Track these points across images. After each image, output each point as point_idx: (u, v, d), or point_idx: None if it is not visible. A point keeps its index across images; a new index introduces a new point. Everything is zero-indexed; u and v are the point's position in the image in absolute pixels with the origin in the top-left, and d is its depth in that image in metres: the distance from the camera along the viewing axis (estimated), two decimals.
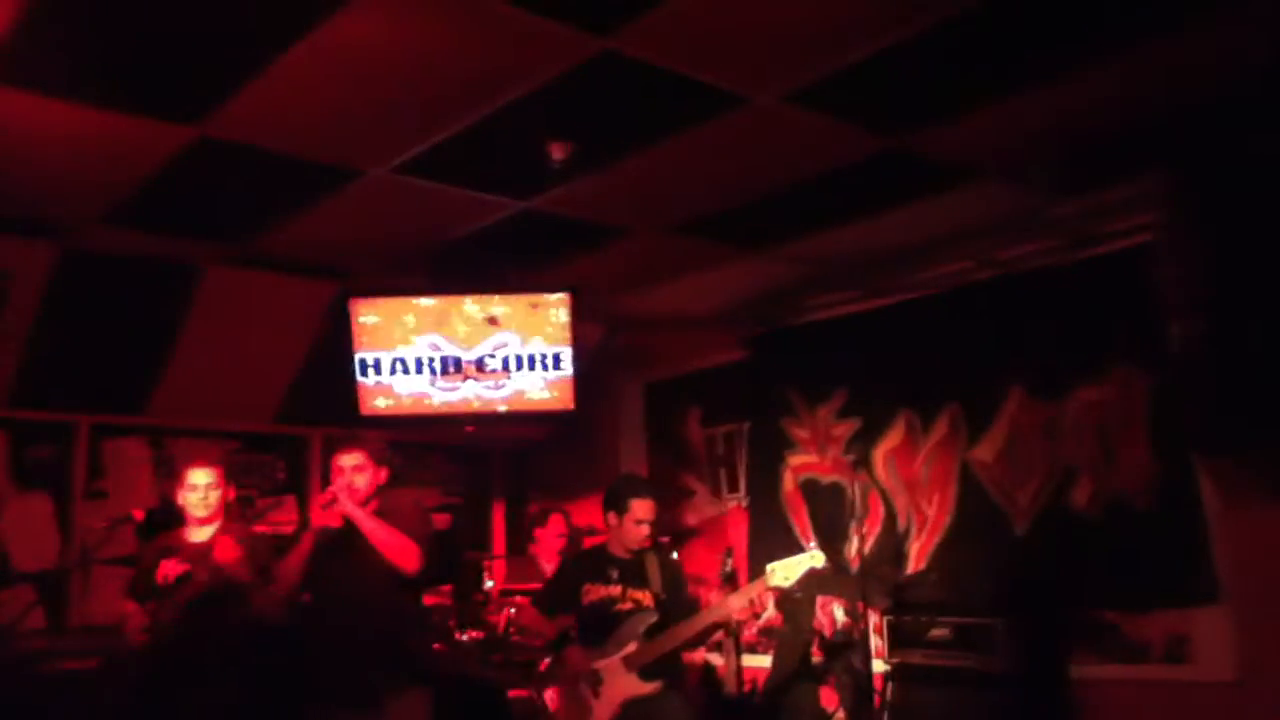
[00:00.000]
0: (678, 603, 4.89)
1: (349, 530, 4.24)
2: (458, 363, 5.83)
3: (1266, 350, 4.14)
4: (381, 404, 5.82)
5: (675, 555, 6.16)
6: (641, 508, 4.84)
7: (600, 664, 4.75)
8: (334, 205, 4.92)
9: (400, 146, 4.34)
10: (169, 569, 4.55)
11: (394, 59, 3.62)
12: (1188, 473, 4.69)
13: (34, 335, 5.69)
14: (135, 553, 5.42)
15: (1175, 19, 3.51)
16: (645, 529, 4.85)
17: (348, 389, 5.78)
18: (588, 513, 7.20)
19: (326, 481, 4.44)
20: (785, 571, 4.73)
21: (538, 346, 5.82)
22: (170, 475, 6.43)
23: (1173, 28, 3.56)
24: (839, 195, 4.96)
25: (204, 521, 4.73)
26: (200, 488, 4.72)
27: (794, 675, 5.89)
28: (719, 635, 5.14)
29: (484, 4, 3.26)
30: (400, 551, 4.24)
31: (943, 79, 3.90)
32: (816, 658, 5.94)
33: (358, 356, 5.76)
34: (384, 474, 4.43)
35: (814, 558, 4.81)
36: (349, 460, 4.36)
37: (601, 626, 4.83)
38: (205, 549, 4.60)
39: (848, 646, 5.72)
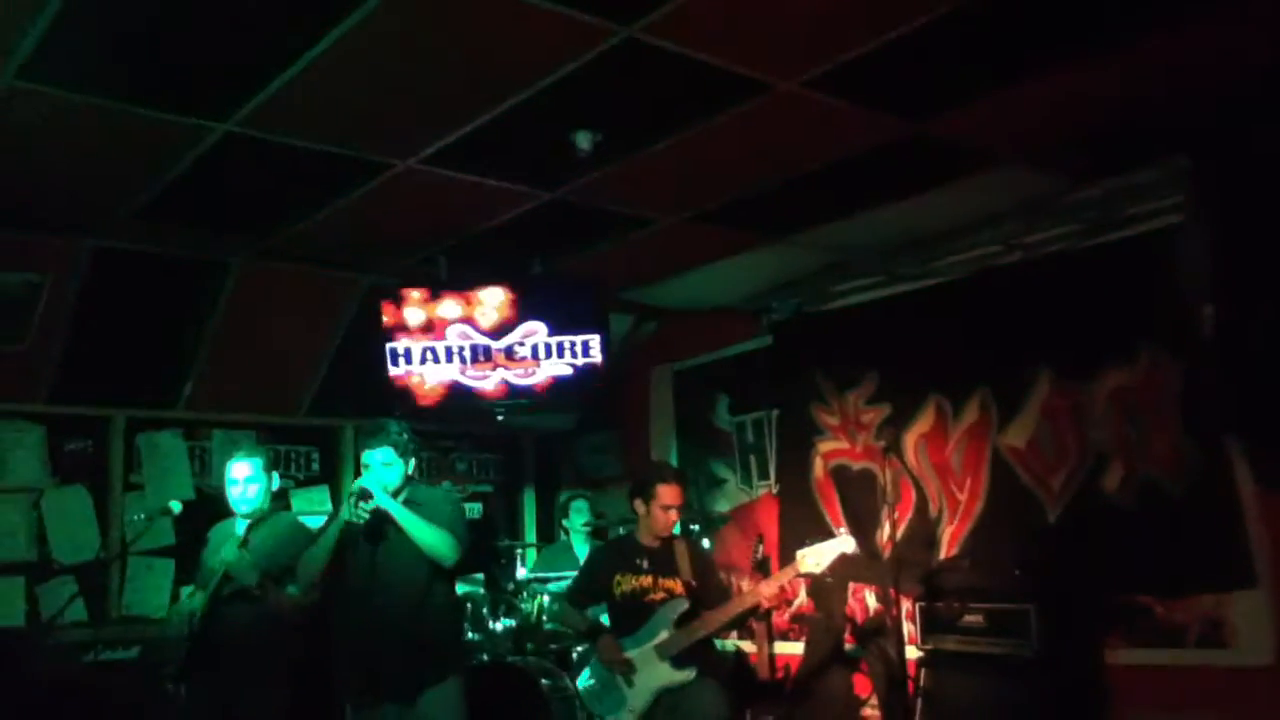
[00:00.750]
0: (708, 590, 4.90)
1: (379, 522, 4.25)
2: (487, 351, 5.86)
3: None
4: (413, 392, 5.86)
5: (706, 543, 6.17)
6: (668, 493, 4.85)
7: (633, 653, 4.77)
8: (363, 198, 4.95)
9: (427, 139, 4.37)
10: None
11: (418, 53, 3.64)
12: (1221, 456, 4.63)
13: (69, 331, 5.77)
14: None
15: (1200, 5, 3.47)
16: (673, 515, 4.86)
17: (379, 379, 5.83)
18: (616, 501, 7.24)
19: (357, 473, 4.42)
20: (816, 557, 4.74)
21: (567, 335, 5.84)
22: (203, 468, 6.58)
23: (1199, 13, 3.52)
24: (862, 181, 4.95)
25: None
26: (242, 480, 4.74)
27: (826, 662, 5.88)
28: (751, 622, 5.16)
29: None
30: (437, 544, 4.25)
31: (964, 63, 3.87)
32: (849, 644, 5.94)
33: (389, 347, 5.81)
34: (411, 463, 4.42)
35: (844, 543, 4.81)
36: (378, 457, 4.33)
37: (634, 616, 4.85)
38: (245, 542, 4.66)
39: (880, 633, 5.71)
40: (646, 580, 4.86)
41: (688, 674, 4.71)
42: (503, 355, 5.86)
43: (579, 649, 5.72)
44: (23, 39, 3.41)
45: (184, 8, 3.32)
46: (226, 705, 4.47)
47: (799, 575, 4.97)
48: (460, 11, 3.38)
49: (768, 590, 4.73)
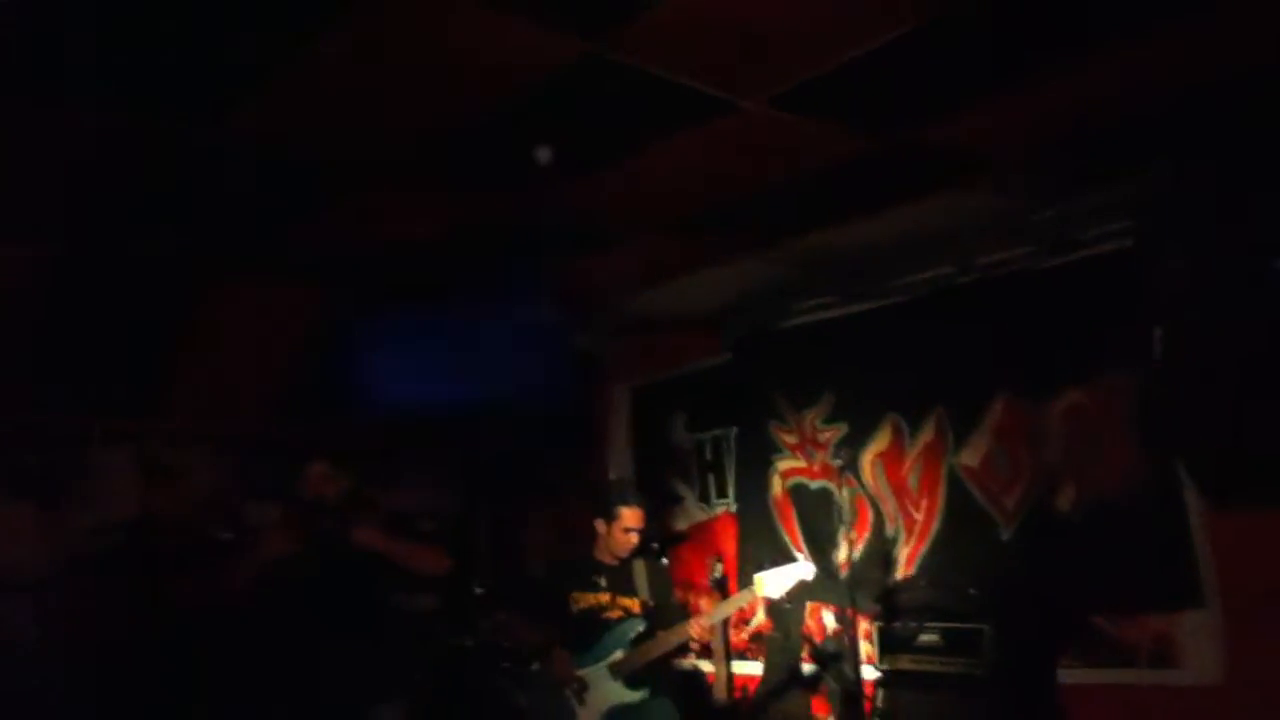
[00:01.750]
0: (665, 610, 4.89)
1: (331, 542, 4.20)
2: (453, 356, 5.83)
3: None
4: (377, 404, 5.83)
5: (664, 561, 6.16)
6: (630, 516, 4.85)
7: (585, 671, 4.75)
8: (329, 214, 4.90)
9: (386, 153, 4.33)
10: None
11: (408, 63, 3.59)
12: (1171, 475, 4.68)
13: (27, 342, 5.66)
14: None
15: (1147, 23, 3.51)
16: (633, 537, 4.86)
17: (344, 390, 5.78)
18: (575, 517, 7.21)
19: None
20: (775, 582, 4.76)
21: (528, 341, 5.84)
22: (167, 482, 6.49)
23: (1142, 32, 3.56)
24: (824, 198, 4.96)
25: None
26: None
27: (784, 682, 5.89)
28: (708, 641, 5.15)
29: (461, 7, 3.24)
30: (425, 559, 4.20)
31: (924, 82, 3.89)
32: (806, 664, 5.95)
33: (357, 350, 5.77)
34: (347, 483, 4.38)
35: (803, 569, 4.84)
36: (318, 470, 4.29)
37: (589, 633, 4.84)
38: None
39: (838, 653, 5.73)
40: (604, 597, 4.85)
41: (640, 694, 4.70)
42: (466, 360, 5.84)
43: (535, 666, 5.68)
44: None
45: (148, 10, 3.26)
46: None
47: (756, 599, 4.99)
48: (422, 23, 3.35)
49: (696, 628, 4.73)
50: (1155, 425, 4.70)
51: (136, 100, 3.77)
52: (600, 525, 4.95)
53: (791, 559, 6.10)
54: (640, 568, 4.93)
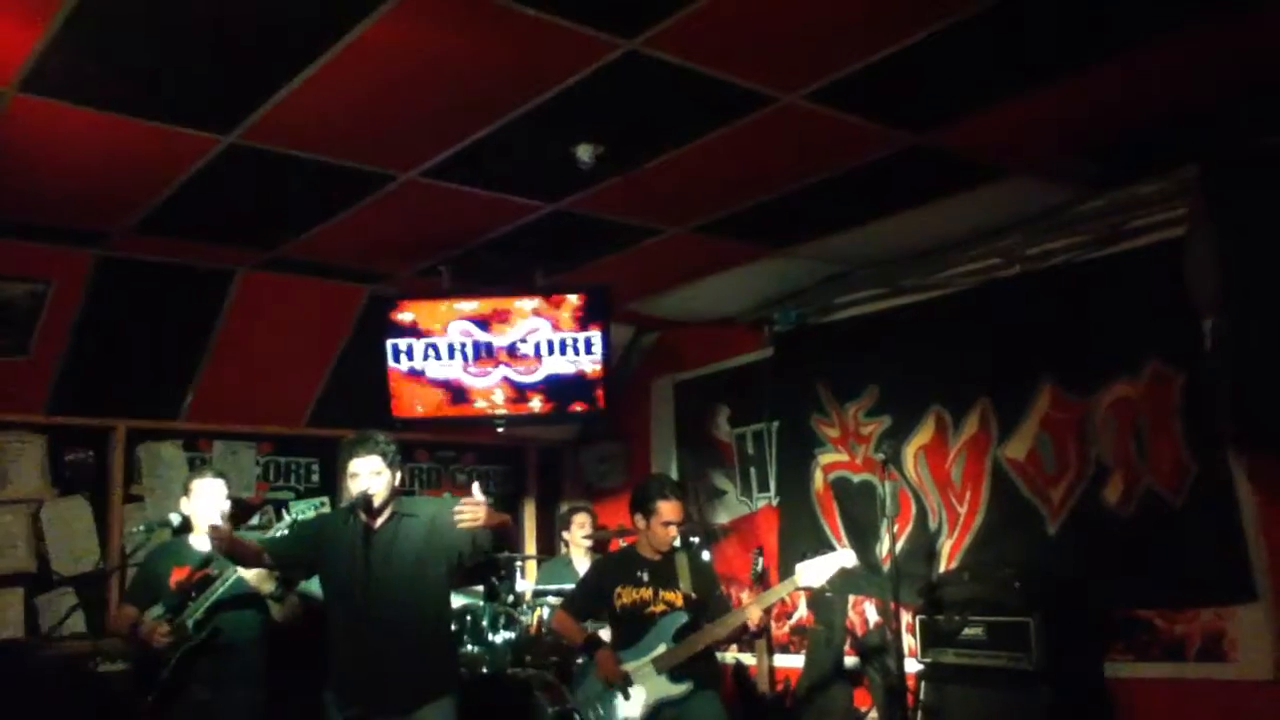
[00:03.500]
0: (709, 603, 4.90)
1: (371, 530, 4.24)
2: (489, 348, 5.87)
3: None
4: (418, 406, 5.87)
5: (706, 555, 6.17)
6: (668, 509, 4.85)
7: (630, 666, 4.77)
8: (365, 210, 4.96)
9: (429, 151, 4.38)
10: (183, 576, 4.70)
11: (421, 65, 3.65)
12: (1223, 469, 4.62)
13: (71, 342, 5.78)
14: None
15: (1207, 13, 3.48)
16: (672, 531, 4.86)
17: (380, 392, 5.83)
18: (618, 513, 7.24)
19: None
20: (815, 571, 4.75)
21: (568, 333, 5.86)
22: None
23: (1203, 21, 3.53)
24: (866, 193, 4.96)
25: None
26: (217, 499, 4.82)
27: (826, 675, 5.88)
28: (763, 628, 5.15)
29: (508, 8, 3.28)
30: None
31: (968, 74, 3.88)
32: (849, 657, 5.94)
33: (390, 343, 5.81)
34: (398, 474, 4.36)
35: (844, 557, 4.82)
36: (365, 465, 4.27)
37: (634, 628, 4.85)
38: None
39: (880, 646, 5.71)
40: (647, 593, 4.86)
41: (685, 687, 4.71)
42: (505, 353, 5.86)
43: (580, 660, 5.71)
44: (26, 51, 3.43)
45: (186, 21, 3.33)
46: (215, 709, 4.52)
47: (797, 589, 4.98)
48: (462, 25, 3.39)
49: (755, 613, 4.72)
50: (1206, 418, 4.64)
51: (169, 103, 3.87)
52: (639, 520, 4.95)
53: (832, 550, 6.11)
54: (683, 561, 4.93)
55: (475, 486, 4.17)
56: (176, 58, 3.56)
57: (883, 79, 3.82)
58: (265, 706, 4.74)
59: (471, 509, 4.07)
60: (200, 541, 4.82)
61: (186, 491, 4.91)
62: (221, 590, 4.59)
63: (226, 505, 4.82)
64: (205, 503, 4.81)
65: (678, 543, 4.96)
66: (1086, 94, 4.01)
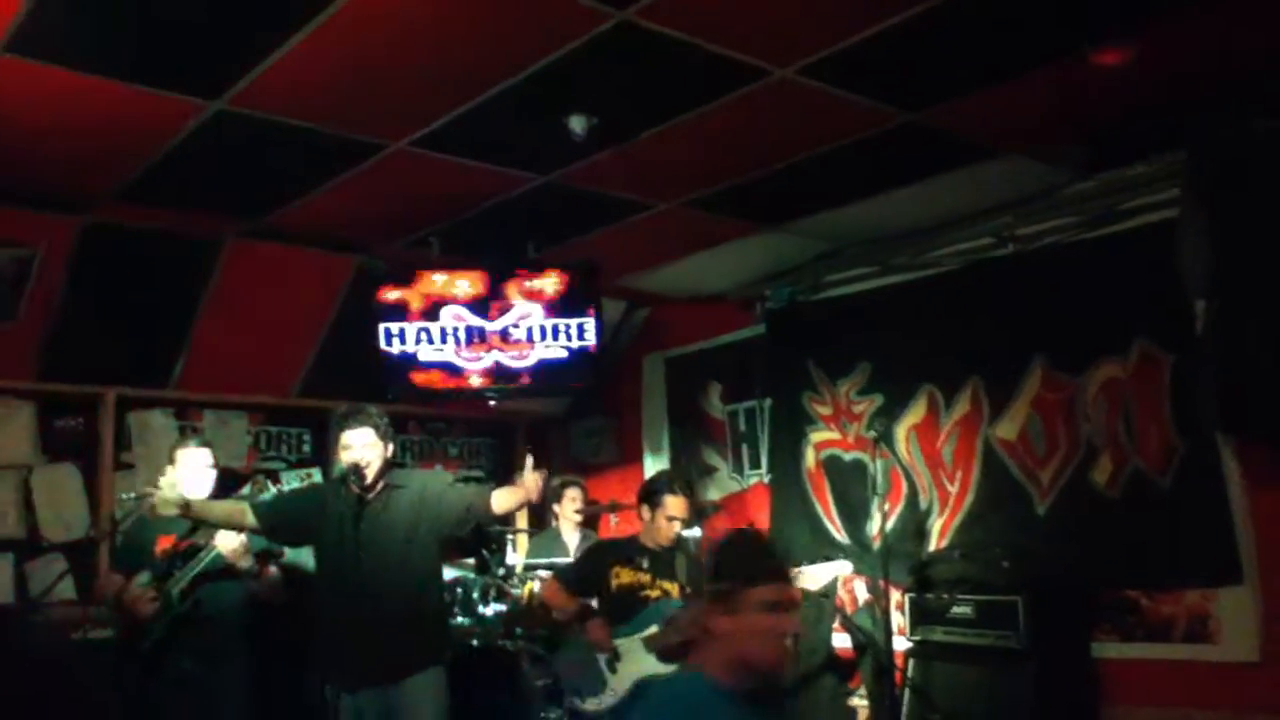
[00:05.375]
0: (698, 589, 4.89)
1: (363, 501, 4.25)
2: (482, 333, 5.85)
3: None
4: (409, 378, 5.85)
5: (697, 531, 6.15)
6: (675, 505, 4.86)
7: (621, 642, 4.78)
8: (355, 179, 4.93)
9: (420, 120, 4.34)
10: (169, 544, 4.69)
11: (413, 32, 3.61)
12: (1211, 452, 4.63)
13: (60, 309, 5.75)
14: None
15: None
16: (676, 526, 4.87)
17: (371, 361, 5.81)
18: (608, 487, 7.24)
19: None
20: (813, 576, 4.77)
21: (561, 318, 5.83)
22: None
23: (1196, 5, 3.50)
24: (859, 170, 4.94)
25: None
26: (201, 468, 4.81)
27: (815, 653, 5.89)
28: None
29: None
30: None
31: (963, 53, 3.86)
32: (838, 634, 5.94)
33: (383, 327, 5.79)
34: (390, 447, 4.41)
35: (841, 567, 4.85)
36: (358, 437, 4.31)
37: (627, 609, 4.85)
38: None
39: (869, 625, 5.72)
40: (646, 577, 4.87)
41: (673, 668, 4.72)
42: (497, 337, 5.84)
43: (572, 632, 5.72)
44: (12, 12, 3.38)
45: None
46: (199, 681, 4.52)
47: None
48: None
49: None
50: (1195, 400, 4.63)
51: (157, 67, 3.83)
52: (645, 512, 4.95)
53: (825, 531, 6.12)
54: (681, 560, 4.95)
55: (529, 461, 4.40)
56: (165, 20, 3.52)
57: (876, 56, 3.80)
58: (249, 680, 4.74)
59: (534, 480, 4.36)
60: None
61: (172, 460, 4.90)
62: (205, 562, 4.59)
63: (212, 474, 4.83)
64: (190, 471, 4.80)
65: (684, 533, 4.97)
66: (1079, 77, 3.98)
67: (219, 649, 4.64)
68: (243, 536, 4.58)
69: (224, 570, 4.67)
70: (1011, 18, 3.60)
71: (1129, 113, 4.35)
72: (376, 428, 4.31)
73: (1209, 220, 4.26)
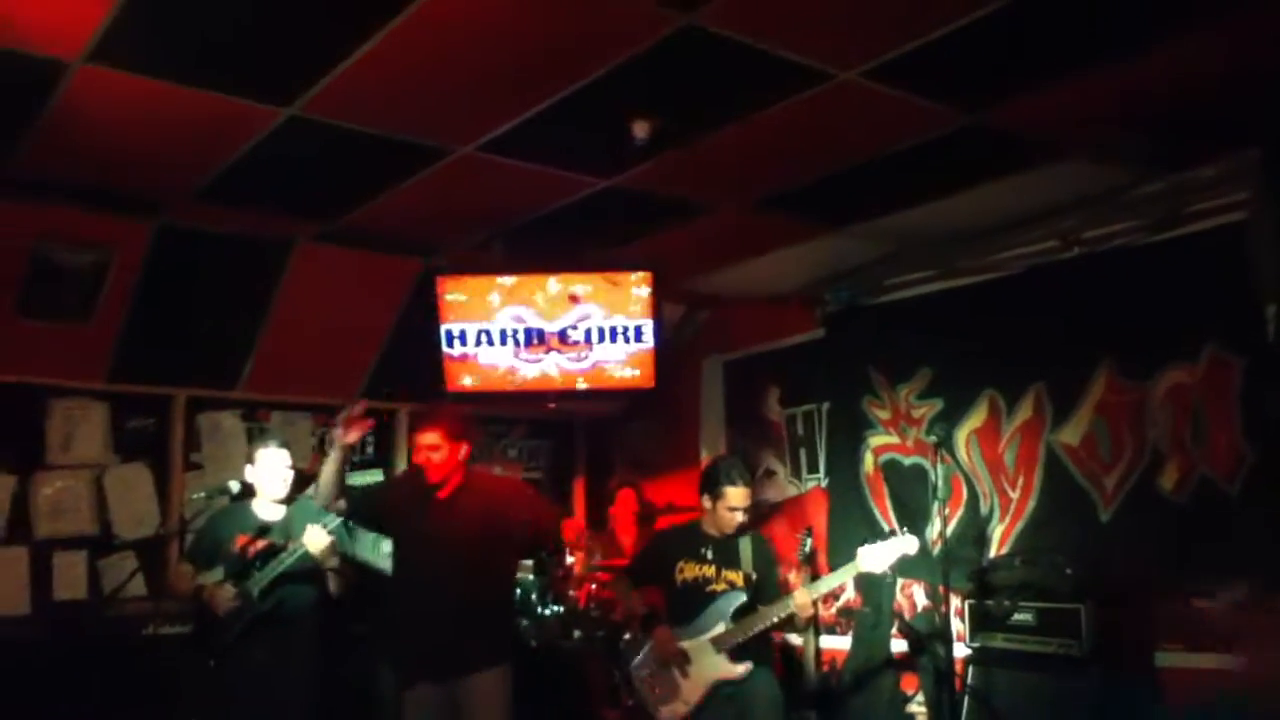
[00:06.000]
0: (767, 583, 4.90)
1: (442, 498, 4.32)
2: (541, 334, 5.91)
3: None
4: (467, 379, 5.93)
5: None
6: (735, 495, 4.86)
7: (689, 644, 4.79)
8: (421, 183, 5.00)
9: (485, 125, 4.40)
10: (246, 542, 4.78)
11: (479, 38, 3.66)
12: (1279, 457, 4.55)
13: (133, 310, 5.89)
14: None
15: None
16: (737, 516, 4.87)
17: (433, 362, 5.89)
18: (666, 489, 7.26)
19: (410, 455, 4.52)
20: (877, 556, 4.75)
21: (620, 320, 5.87)
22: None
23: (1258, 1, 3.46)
24: (921, 172, 4.91)
25: (276, 501, 4.93)
26: (281, 468, 4.90)
27: (873, 658, 5.87)
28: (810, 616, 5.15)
29: None
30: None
31: (1026, 53, 3.84)
32: (896, 640, 5.92)
33: (444, 328, 5.87)
34: (463, 449, 4.44)
35: (907, 543, 4.81)
36: (427, 437, 4.36)
37: (692, 605, 4.87)
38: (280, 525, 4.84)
39: (928, 630, 5.69)
40: (710, 570, 4.88)
41: (745, 666, 4.73)
42: (556, 339, 5.90)
43: (626, 636, 5.74)
44: (95, 23, 3.49)
45: None
46: (270, 675, 4.60)
47: (859, 573, 4.97)
48: None
49: (802, 599, 4.73)
50: (1265, 405, 4.56)
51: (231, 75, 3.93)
52: (706, 501, 4.97)
53: (883, 534, 6.08)
54: (746, 542, 4.94)
55: None
56: (240, 29, 3.61)
57: (939, 58, 3.79)
58: (317, 675, 4.81)
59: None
60: (263, 509, 4.92)
61: (251, 460, 4.98)
62: (289, 561, 4.66)
63: (290, 475, 4.91)
64: (269, 472, 4.89)
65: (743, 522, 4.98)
66: (1146, 74, 3.93)
67: (292, 645, 4.72)
68: (331, 536, 4.67)
69: (305, 570, 4.75)
70: (1075, 17, 3.57)
71: (1196, 111, 4.28)
72: (447, 428, 4.37)
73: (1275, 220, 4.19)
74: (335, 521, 4.68)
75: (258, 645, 4.65)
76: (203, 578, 4.83)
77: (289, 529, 4.80)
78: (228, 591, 4.68)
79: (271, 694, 4.61)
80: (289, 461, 4.98)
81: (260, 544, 4.76)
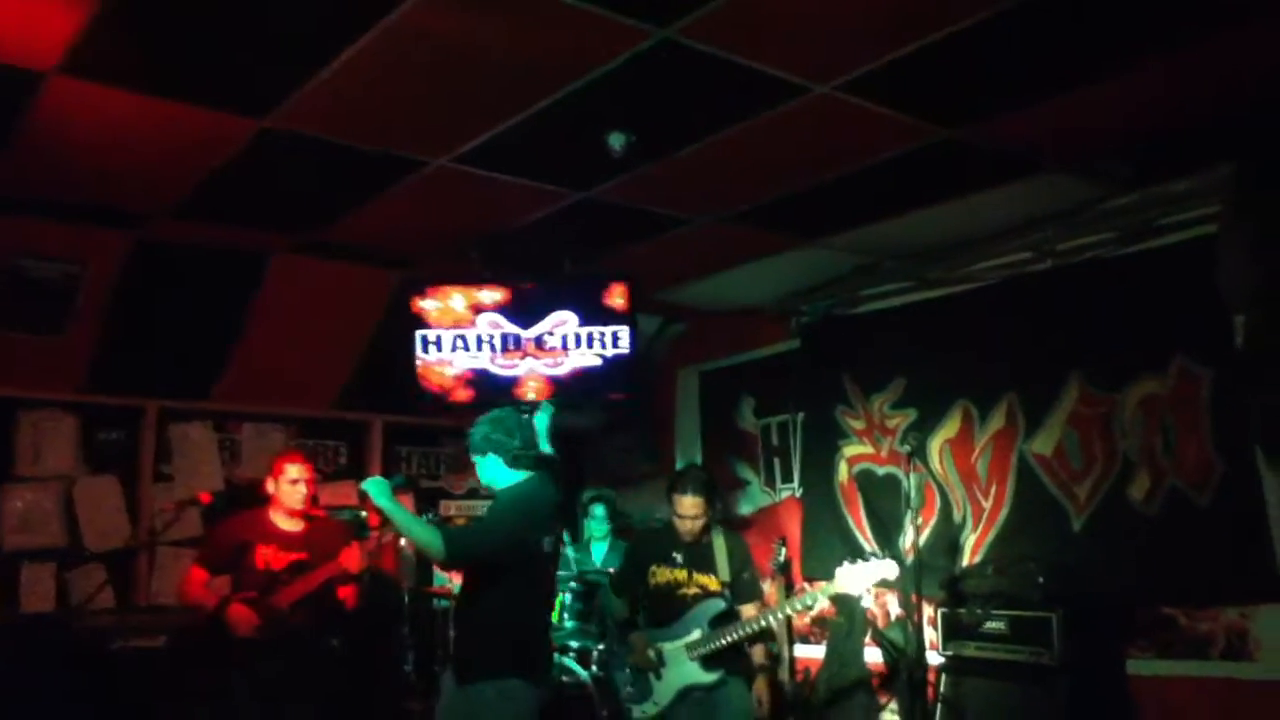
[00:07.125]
0: (741, 586, 4.91)
1: None
2: (517, 340, 5.91)
3: None
4: (440, 384, 5.92)
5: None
6: (682, 504, 4.86)
7: (663, 647, 4.81)
8: (397, 196, 5.00)
9: (461, 137, 4.40)
10: (270, 555, 4.73)
11: (455, 51, 3.67)
12: (1250, 468, 4.61)
13: (106, 323, 5.85)
14: (210, 528, 5.59)
15: (1238, 12, 3.47)
16: (688, 524, 4.88)
17: (408, 376, 5.87)
18: (640, 501, 7.25)
19: (384, 468, 4.50)
20: (856, 577, 4.76)
21: (596, 325, 5.88)
22: (233, 459, 6.68)
23: (1235, 21, 3.51)
24: (896, 185, 4.95)
25: (294, 514, 4.86)
26: (300, 481, 4.86)
27: (847, 666, 5.89)
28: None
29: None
30: (424, 541, 4.36)
31: (1001, 70, 3.88)
32: (869, 648, 5.94)
33: (419, 334, 5.86)
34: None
35: (886, 568, 4.81)
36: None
37: (667, 609, 4.89)
38: (301, 541, 4.81)
39: (901, 639, 5.71)
40: (681, 574, 4.89)
41: (716, 675, 4.74)
42: (532, 345, 5.90)
43: (599, 648, 5.75)
44: (70, 33, 3.47)
45: (224, 4, 3.36)
46: (281, 685, 4.58)
47: (835, 594, 4.98)
48: (496, 11, 3.41)
49: (779, 616, 4.80)
50: (1234, 416, 4.62)
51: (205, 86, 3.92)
52: (670, 507, 5.00)
53: (857, 545, 6.11)
54: (720, 543, 4.94)
55: None
56: (214, 41, 3.59)
57: (916, 73, 3.82)
58: (327, 684, 4.77)
59: None
60: (284, 520, 4.86)
61: (273, 471, 4.90)
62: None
63: (306, 489, 4.86)
64: (291, 484, 4.84)
65: (717, 527, 5.00)
66: (1122, 94, 3.99)
67: (308, 658, 4.68)
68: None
69: (331, 586, 4.74)
70: (1051, 36, 3.61)
71: (1171, 128, 4.34)
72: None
73: (1255, 230, 4.24)
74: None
75: (274, 654, 4.58)
76: (216, 584, 4.77)
77: None
78: (251, 615, 4.57)
79: (281, 702, 4.55)
80: (309, 475, 4.94)
81: (285, 559, 4.72)
